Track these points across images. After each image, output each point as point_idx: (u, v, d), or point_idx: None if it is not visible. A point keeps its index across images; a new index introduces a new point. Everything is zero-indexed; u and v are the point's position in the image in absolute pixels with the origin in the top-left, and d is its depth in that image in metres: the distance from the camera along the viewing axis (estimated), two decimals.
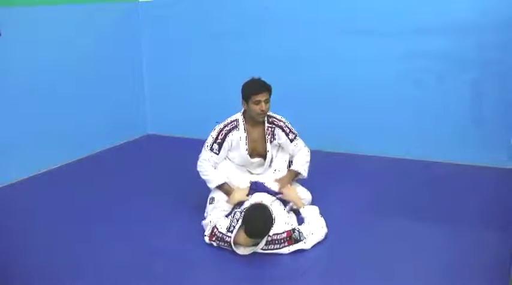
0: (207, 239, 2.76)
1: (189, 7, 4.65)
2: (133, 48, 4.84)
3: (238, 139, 3.07)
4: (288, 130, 3.11)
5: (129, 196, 3.51)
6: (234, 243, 2.63)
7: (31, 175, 3.89)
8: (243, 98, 3.01)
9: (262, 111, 2.96)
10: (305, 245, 2.69)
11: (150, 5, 4.79)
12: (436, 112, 3.99)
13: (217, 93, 4.71)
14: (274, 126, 3.11)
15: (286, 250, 2.66)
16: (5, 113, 3.67)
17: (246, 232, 2.56)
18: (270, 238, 2.63)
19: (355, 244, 2.79)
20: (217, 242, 2.71)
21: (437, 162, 4.01)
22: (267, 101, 2.97)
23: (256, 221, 2.54)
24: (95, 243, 2.82)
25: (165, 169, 4.05)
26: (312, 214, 2.91)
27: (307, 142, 3.21)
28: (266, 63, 4.42)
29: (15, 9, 3.66)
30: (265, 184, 3.02)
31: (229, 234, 2.66)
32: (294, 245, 2.67)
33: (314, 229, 2.78)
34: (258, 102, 2.94)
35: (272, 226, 2.59)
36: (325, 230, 2.82)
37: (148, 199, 3.45)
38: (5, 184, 3.71)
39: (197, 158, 3.08)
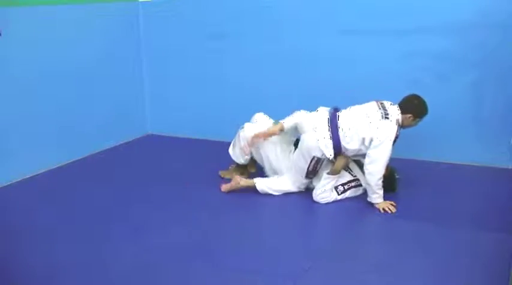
0: None
1: (189, 7, 4.65)
2: (133, 48, 4.84)
3: None
4: None
5: (129, 196, 3.50)
6: None
7: (31, 175, 3.89)
8: (415, 113, 3.25)
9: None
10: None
11: (150, 5, 4.79)
12: (436, 112, 3.96)
13: (217, 93, 4.71)
14: None
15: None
16: (5, 113, 3.66)
17: None
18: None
19: (355, 244, 2.80)
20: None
21: (437, 162, 4.01)
22: None
23: None
24: (94, 243, 2.82)
25: (165, 169, 4.05)
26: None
27: None
28: (266, 63, 4.43)
29: (15, 9, 3.66)
30: None
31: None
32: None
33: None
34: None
35: None
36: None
37: (148, 199, 3.45)
38: (5, 184, 3.71)
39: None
